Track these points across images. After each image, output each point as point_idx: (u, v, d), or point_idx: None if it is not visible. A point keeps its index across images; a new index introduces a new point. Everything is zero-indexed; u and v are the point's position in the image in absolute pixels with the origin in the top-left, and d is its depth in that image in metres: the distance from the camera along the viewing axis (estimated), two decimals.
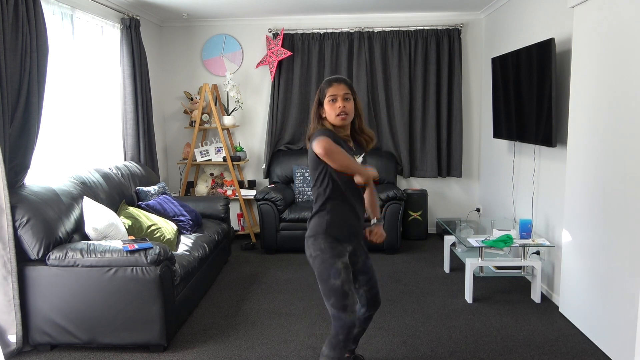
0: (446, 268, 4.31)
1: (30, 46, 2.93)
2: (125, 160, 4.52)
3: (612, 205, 2.80)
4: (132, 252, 2.84)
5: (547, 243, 3.53)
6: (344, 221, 2.34)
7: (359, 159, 2.35)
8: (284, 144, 5.49)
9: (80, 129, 3.93)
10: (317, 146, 2.13)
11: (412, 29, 5.25)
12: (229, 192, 5.27)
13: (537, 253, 3.74)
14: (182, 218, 3.98)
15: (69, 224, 3.07)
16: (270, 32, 5.34)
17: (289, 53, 5.22)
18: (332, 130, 2.26)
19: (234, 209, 5.53)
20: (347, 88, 2.27)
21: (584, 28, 3.10)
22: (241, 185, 5.50)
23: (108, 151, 4.36)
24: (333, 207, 2.31)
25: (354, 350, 2.74)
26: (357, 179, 2.12)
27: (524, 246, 3.57)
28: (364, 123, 2.40)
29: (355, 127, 2.37)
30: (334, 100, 2.24)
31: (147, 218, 3.62)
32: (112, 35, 4.36)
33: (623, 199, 2.69)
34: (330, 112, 2.25)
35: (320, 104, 2.31)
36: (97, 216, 3.19)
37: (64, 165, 3.67)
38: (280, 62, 5.29)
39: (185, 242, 3.69)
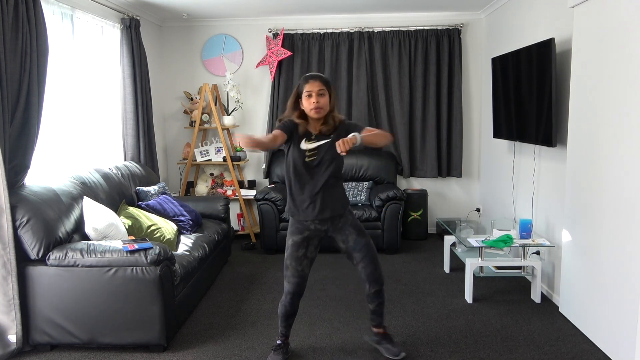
0: (446, 268, 4.31)
1: (30, 46, 2.93)
2: (125, 160, 4.52)
3: (611, 205, 2.80)
4: (132, 252, 2.84)
5: (547, 243, 3.53)
6: (295, 204, 2.64)
7: (311, 144, 2.55)
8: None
9: (80, 129, 3.93)
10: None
11: (412, 29, 5.25)
12: (229, 192, 5.27)
13: (537, 253, 3.74)
14: (182, 218, 3.98)
15: (69, 224, 3.07)
16: (270, 32, 5.34)
17: (289, 53, 5.22)
18: (292, 121, 2.58)
19: (234, 209, 5.53)
20: (322, 84, 2.53)
21: (584, 28, 3.10)
22: (241, 185, 5.50)
23: (108, 151, 4.36)
24: (289, 190, 2.65)
25: (382, 323, 2.86)
26: (243, 143, 2.29)
27: (524, 246, 3.57)
28: (335, 112, 2.63)
29: (327, 117, 2.60)
30: (309, 95, 2.51)
31: (147, 218, 3.62)
32: (112, 35, 4.36)
33: (623, 199, 2.69)
34: (307, 105, 2.53)
35: (298, 97, 2.58)
36: (97, 216, 3.19)
37: (64, 165, 3.67)
38: (280, 62, 5.29)
39: (185, 242, 3.69)
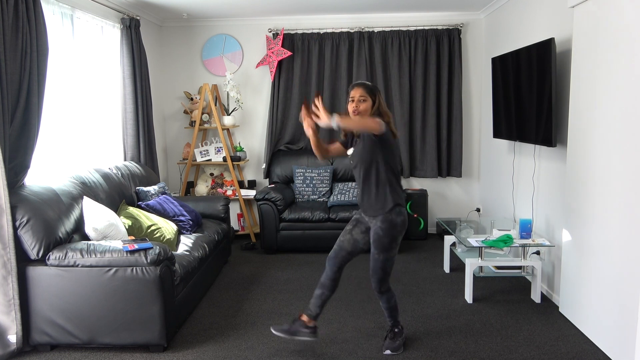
0: (446, 268, 4.31)
1: (30, 46, 2.93)
2: (125, 160, 4.52)
3: (612, 205, 2.80)
4: (132, 252, 2.84)
5: (547, 243, 3.53)
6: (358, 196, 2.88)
7: (349, 150, 2.88)
8: (284, 144, 5.49)
9: (80, 129, 3.93)
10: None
11: (412, 29, 5.25)
12: (229, 192, 5.27)
13: (537, 253, 3.74)
14: (182, 218, 3.98)
15: (69, 224, 3.07)
16: (270, 32, 5.34)
17: (289, 53, 5.22)
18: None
19: (234, 209, 5.53)
20: (364, 91, 2.73)
21: (584, 28, 3.10)
22: (241, 185, 5.50)
23: (108, 151, 4.36)
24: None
25: (390, 322, 2.98)
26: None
27: (524, 246, 3.57)
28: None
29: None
30: (352, 101, 2.74)
31: (147, 218, 3.62)
32: (112, 35, 4.36)
33: (623, 199, 2.69)
34: (349, 110, 2.75)
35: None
36: (97, 216, 3.19)
37: (64, 165, 3.67)
38: (280, 62, 5.29)
39: (185, 242, 3.69)
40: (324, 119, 2.46)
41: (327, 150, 2.88)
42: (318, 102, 2.49)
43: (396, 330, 2.96)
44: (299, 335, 2.91)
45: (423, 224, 5.22)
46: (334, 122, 2.45)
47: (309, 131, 2.63)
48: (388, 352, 2.90)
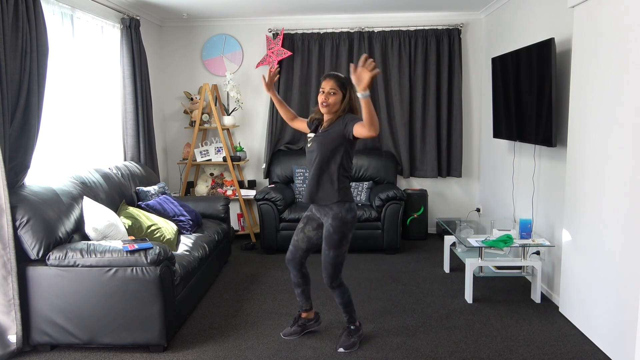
0: (446, 268, 4.31)
1: (30, 46, 2.93)
2: (125, 160, 4.52)
3: (612, 205, 2.80)
4: (132, 252, 2.84)
5: (547, 243, 3.53)
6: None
7: (310, 134, 2.87)
8: (284, 144, 5.49)
9: (80, 129, 3.93)
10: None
11: (412, 29, 5.25)
12: (229, 192, 5.27)
13: (537, 253, 3.74)
14: (182, 218, 3.98)
15: (69, 224, 3.07)
16: (270, 32, 5.34)
17: (289, 53, 5.22)
18: (315, 115, 2.91)
19: (234, 209, 5.53)
20: (335, 84, 2.69)
21: (584, 28, 3.10)
22: (241, 185, 5.50)
23: (108, 151, 4.36)
24: None
25: (346, 319, 3.01)
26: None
27: (524, 246, 3.57)
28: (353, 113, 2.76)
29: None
30: (322, 92, 2.72)
31: (147, 218, 3.62)
32: (112, 35, 4.36)
33: (623, 199, 2.69)
34: (319, 101, 2.75)
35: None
36: (97, 216, 3.19)
37: (64, 165, 3.67)
38: (280, 62, 5.29)
39: (185, 242, 3.69)
40: (363, 84, 2.31)
41: (293, 117, 3.11)
42: (372, 70, 2.31)
43: (352, 327, 2.99)
44: (308, 328, 3.16)
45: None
46: (363, 94, 2.34)
47: (268, 90, 2.96)
48: (341, 349, 2.92)
